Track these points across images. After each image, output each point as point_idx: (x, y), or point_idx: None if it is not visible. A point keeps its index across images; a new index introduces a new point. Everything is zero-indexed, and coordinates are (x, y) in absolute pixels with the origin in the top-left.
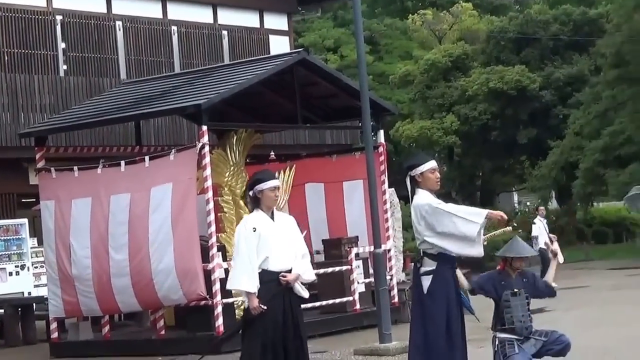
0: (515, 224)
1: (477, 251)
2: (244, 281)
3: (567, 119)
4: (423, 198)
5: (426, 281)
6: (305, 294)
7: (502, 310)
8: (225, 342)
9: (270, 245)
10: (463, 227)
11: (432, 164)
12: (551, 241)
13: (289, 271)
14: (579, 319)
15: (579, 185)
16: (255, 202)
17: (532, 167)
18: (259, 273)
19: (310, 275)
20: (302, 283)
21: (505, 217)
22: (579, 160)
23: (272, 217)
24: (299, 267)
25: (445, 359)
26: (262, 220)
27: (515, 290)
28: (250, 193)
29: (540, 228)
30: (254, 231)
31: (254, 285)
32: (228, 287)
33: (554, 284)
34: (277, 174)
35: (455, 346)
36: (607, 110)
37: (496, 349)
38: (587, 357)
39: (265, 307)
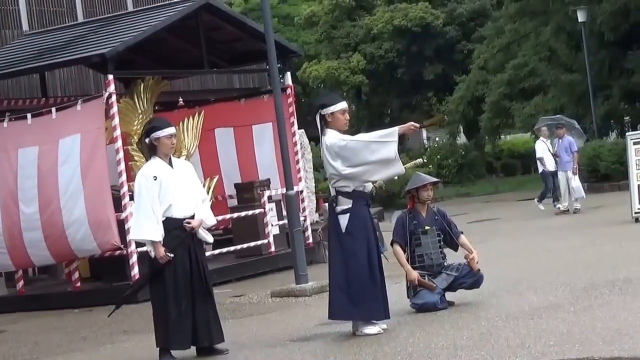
0: (425, 160)
1: (399, 168)
2: (148, 230)
3: (471, 54)
4: (333, 136)
5: (343, 220)
6: (210, 238)
7: (413, 249)
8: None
9: (172, 193)
10: (381, 150)
11: (343, 105)
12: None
13: (192, 217)
14: (491, 250)
15: (486, 119)
16: (152, 150)
17: (440, 102)
18: (162, 221)
19: (211, 220)
20: (204, 228)
21: (417, 125)
22: (485, 94)
23: (170, 164)
24: (201, 212)
25: (368, 294)
26: (161, 168)
27: (427, 228)
28: (147, 140)
29: (544, 150)
30: (155, 180)
31: (158, 234)
32: (130, 237)
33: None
34: (186, 120)
35: (377, 281)
36: (510, 43)
37: (408, 284)
38: (501, 287)
39: (172, 255)
